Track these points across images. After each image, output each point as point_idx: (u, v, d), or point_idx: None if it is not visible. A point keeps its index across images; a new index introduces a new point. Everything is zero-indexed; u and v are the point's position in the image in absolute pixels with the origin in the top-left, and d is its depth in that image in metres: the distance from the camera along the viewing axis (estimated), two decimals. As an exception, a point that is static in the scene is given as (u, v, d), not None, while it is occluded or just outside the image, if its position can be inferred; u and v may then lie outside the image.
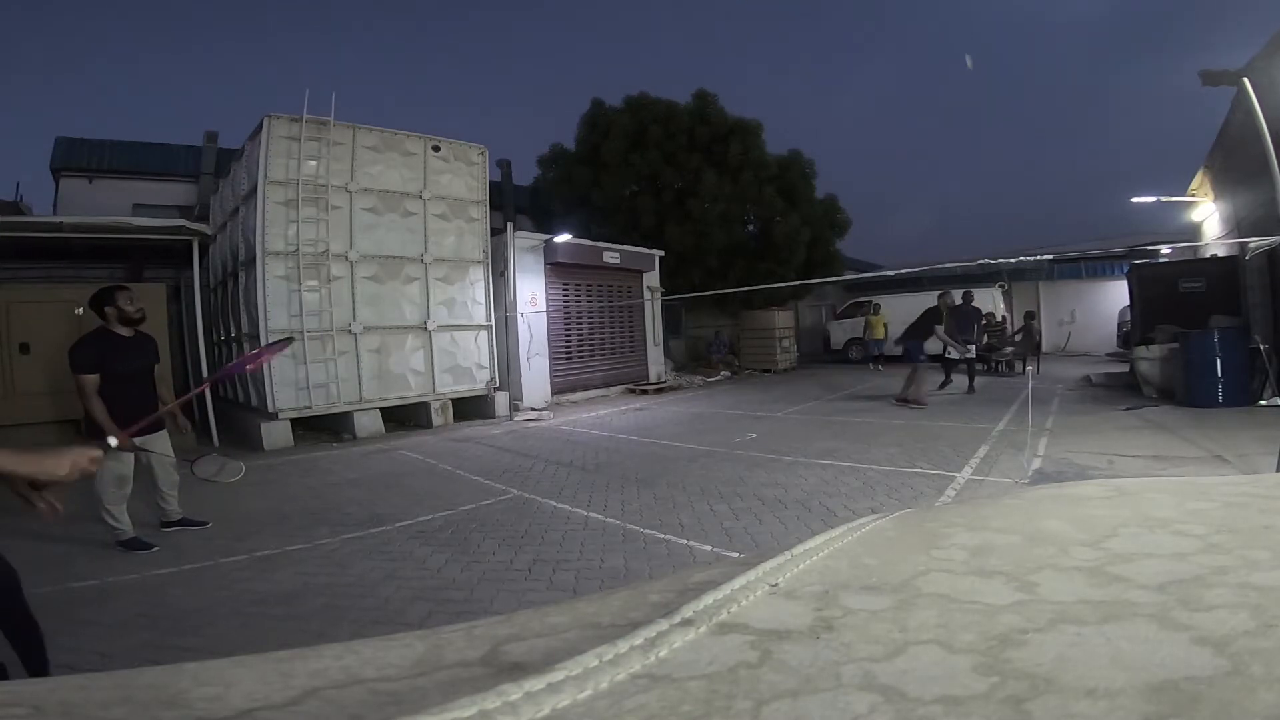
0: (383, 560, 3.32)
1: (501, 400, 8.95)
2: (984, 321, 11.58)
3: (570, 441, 6.83)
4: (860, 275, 19.55)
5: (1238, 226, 9.13)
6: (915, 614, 0.44)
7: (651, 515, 3.95)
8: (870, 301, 15.97)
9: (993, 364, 12.12)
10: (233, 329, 8.33)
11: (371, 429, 7.60)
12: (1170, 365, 7.51)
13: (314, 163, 7.43)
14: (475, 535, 3.69)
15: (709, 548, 3.37)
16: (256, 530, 3.85)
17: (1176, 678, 0.33)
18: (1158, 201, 11.46)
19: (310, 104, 7.42)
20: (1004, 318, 14.16)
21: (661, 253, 12.95)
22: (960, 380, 9.60)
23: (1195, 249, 12.32)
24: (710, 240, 14.30)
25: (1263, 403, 6.54)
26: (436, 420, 8.17)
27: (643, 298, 12.40)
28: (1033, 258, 12.30)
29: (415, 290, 8.23)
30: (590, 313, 11.35)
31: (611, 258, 11.45)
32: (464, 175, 8.87)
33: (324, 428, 7.63)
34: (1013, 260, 14.14)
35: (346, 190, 7.67)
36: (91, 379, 3.30)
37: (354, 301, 7.66)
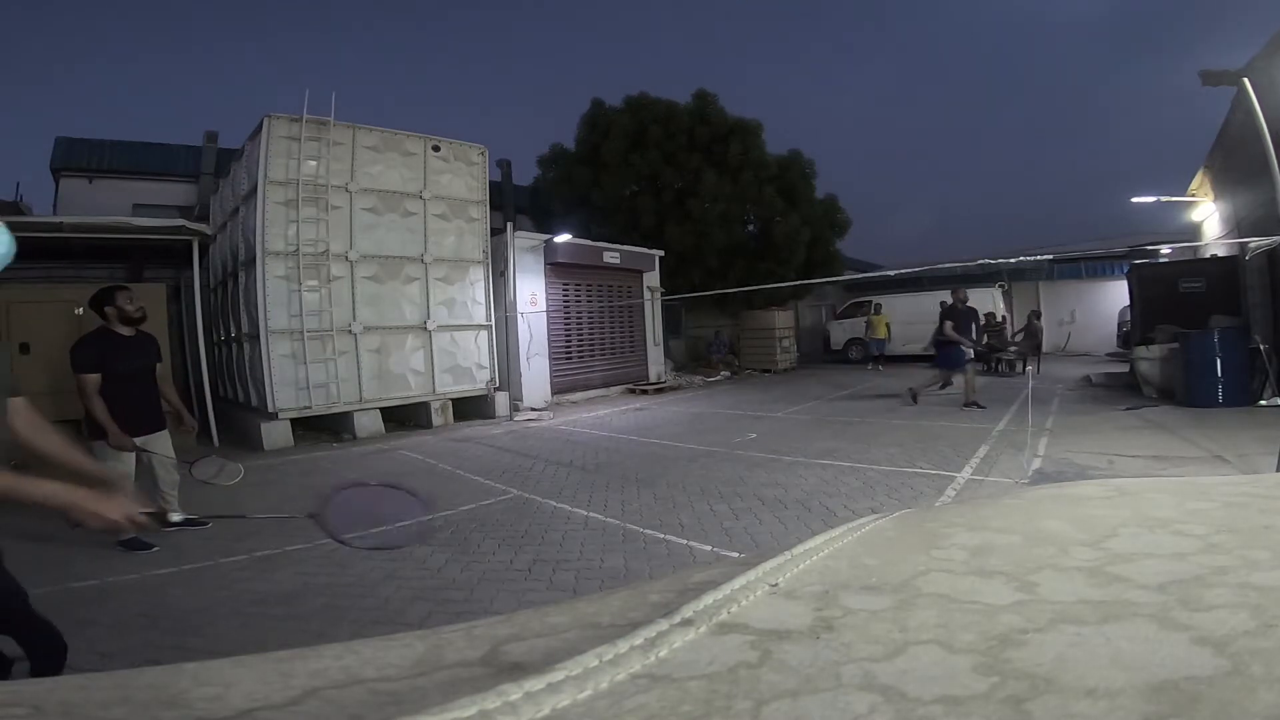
0: (383, 560, 3.32)
1: (501, 400, 8.95)
2: (983, 322, 11.57)
3: (570, 441, 6.83)
4: (860, 275, 19.55)
5: (1238, 226, 9.13)
6: (915, 614, 0.44)
7: (651, 515, 3.95)
8: (871, 301, 15.97)
9: (993, 364, 12.11)
10: (233, 329, 8.33)
11: (371, 429, 7.60)
12: (1170, 365, 7.51)
13: (314, 163, 7.43)
14: (475, 535, 3.69)
15: (709, 548, 3.37)
16: (256, 530, 3.84)
17: (1176, 678, 0.33)
18: (1158, 201, 11.46)
19: (310, 104, 7.44)
20: (1004, 318, 14.16)
21: (661, 253, 12.95)
22: (959, 381, 9.58)
23: (1195, 249, 12.32)
24: (710, 240, 14.30)
25: (1263, 403, 6.54)
26: (436, 420, 8.17)
27: (643, 298, 12.40)
28: (1033, 258, 12.32)
29: (415, 290, 8.23)
30: (590, 313, 11.35)
31: (611, 258, 11.45)
32: (464, 175, 8.87)
33: (324, 428, 7.63)
34: (1013, 260, 14.14)
35: (346, 190, 7.67)
36: (93, 379, 3.31)
37: (354, 301, 7.66)
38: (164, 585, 3.07)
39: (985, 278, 15.12)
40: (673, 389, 11.93)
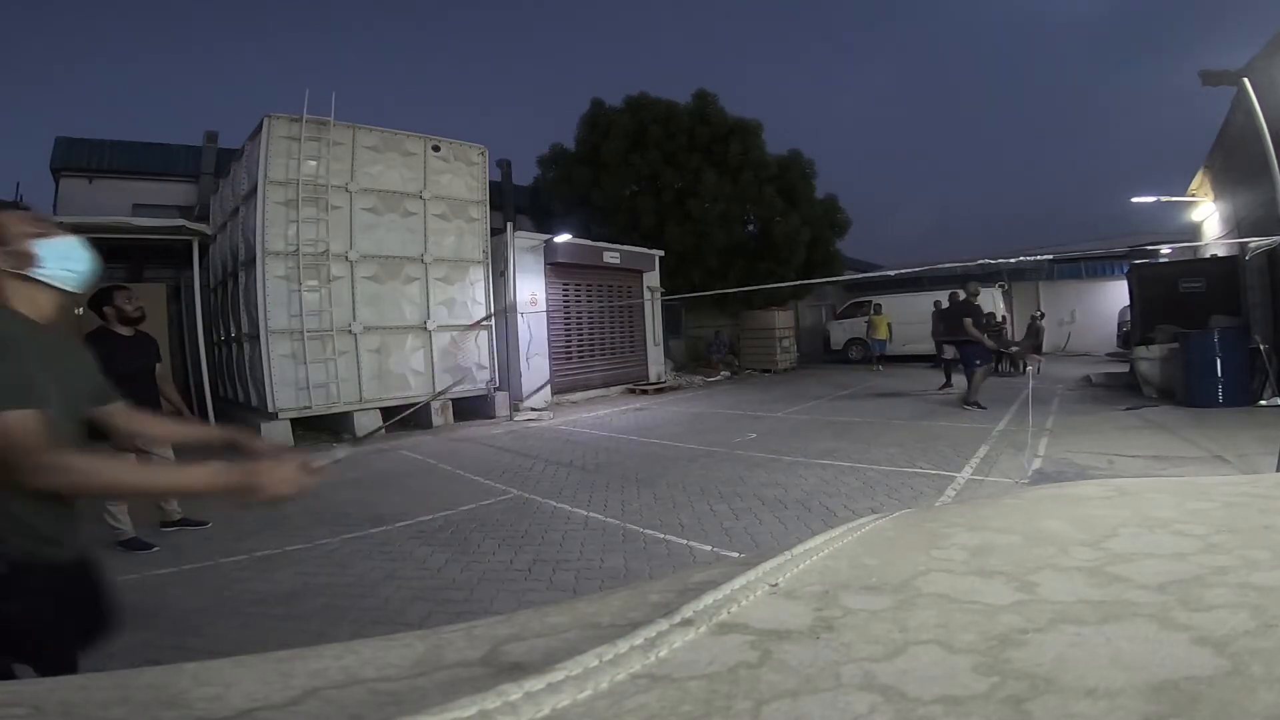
0: (383, 560, 3.32)
1: (501, 400, 8.95)
2: (983, 321, 11.53)
3: (570, 441, 6.83)
4: (860, 275, 19.55)
5: (1238, 226, 9.13)
6: (915, 614, 0.44)
7: (651, 515, 3.95)
8: (870, 302, 15.97)
9: (1003, 364, 12.08)
10: (233, 329, 8.33)
11: (371, 429, 7.60)
12: (1170, 365, 7.51)
13: (314, 163, 7.43)
14: (475, 535, 3.69)
15: (709, 548, 3.37)
16: (256, 530, 3.84)
17: (1176, 678, 0.33)
18: (1158, 201, 11.46)
19: (310, 104, 7.43)
20: (1004, 318, 14.15)
21: (661, 253, 12.94)
22: (959, 381, 9.59)
23: (1195, 249, 12.32)
24: (710, 240, 14.30)
25: (1263, 403, 6.54)
26: (437, 420, 8.17)
27: (643, 298, 12.40)
28: (1033, 258, 12.32)
29: (415, 290, 8.23)
30: (590, 313, 11.34)
31: (611, 258, 11.45)
32: (464, 175, 8.87)
33: (324, 428, 7.63)
34: (1013, 260, 14.14)
35: (346, 190, 7.67)
36: None
37: (354, 301, 7.66)
38: (164, 585, 3.07)
39: (985, 278, 15.10)
40: (673, 389, 11.93)
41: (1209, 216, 11.50)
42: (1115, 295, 15.65)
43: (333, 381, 7.38)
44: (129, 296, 3.58)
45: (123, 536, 3.54)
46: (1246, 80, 6.11)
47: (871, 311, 15.39)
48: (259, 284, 7.07)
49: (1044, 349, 14.19)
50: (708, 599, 0.46)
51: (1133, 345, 9.47)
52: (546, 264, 10.31)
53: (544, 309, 10.16)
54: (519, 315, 9.44)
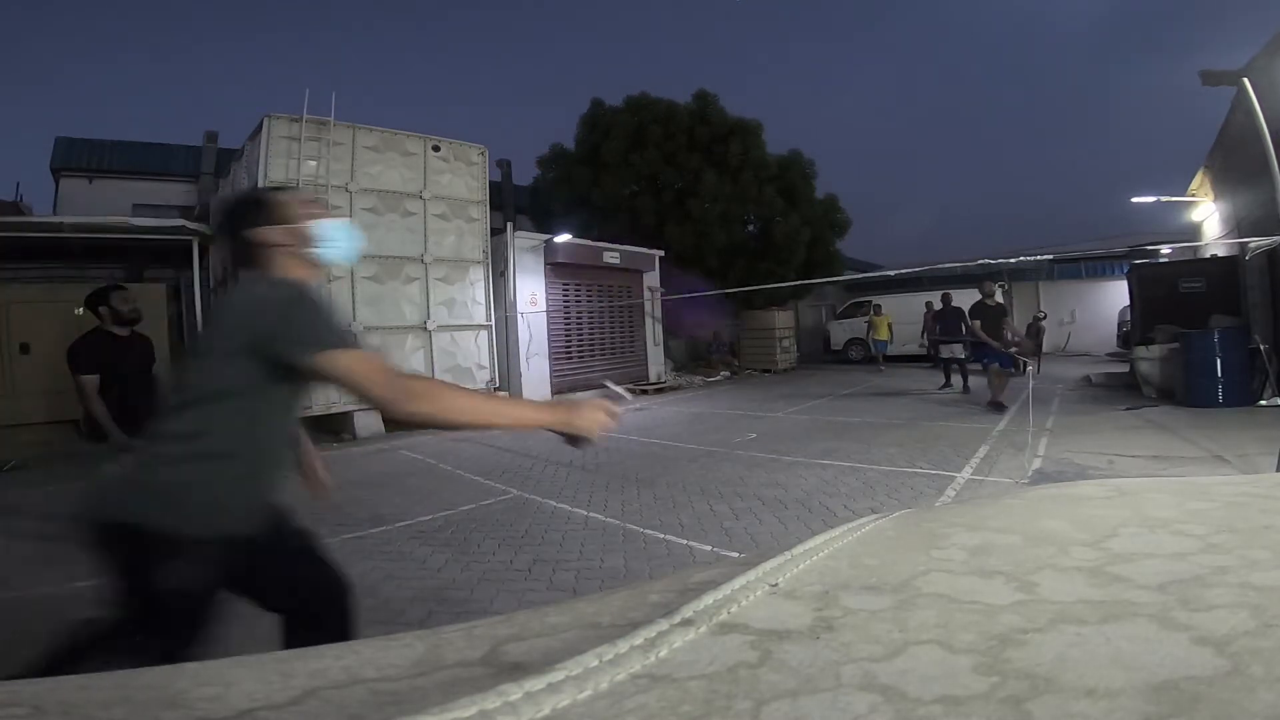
0: (383, 560, 3.32)
1: (501, 400, 8.94)
2: (1007, 320, 11.46)
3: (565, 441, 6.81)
4: (860, 275, 19.55)
5: (1238, 226, 9.13)
6: (915, 614, 0.44)
7: (651, 515, 3.94)
8: (871, 302, 15.97)
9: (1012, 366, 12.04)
10: (233, 329, 8.32)
11: (372, 429, 7.60)
12: (1170, 365, 7.50)
13: (314, 163, 7.43)
14: (475, 535, 3.69)
15: (709, 548, 3.36)
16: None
17: (1176, 678, 0.33)
18: (1158, 201, 11.46)
19: (310, 104, 7.44)
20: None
21: (661, 253, 12.94)
22: (969, 381, 9.59)
23: (1195, 249, 12.32)
24: (710, 240, 14.30)
25: (1263, 403, 6.54)
26: (437, 420, 8.16)
27: (643, 298, 12.40)
28: (1033, 258, 12.30)
29: (415, 290, 8.23)
30: (590, 313, 11.34)
31: (611, 258, 11.45)
32: (464, 175, 8.87)
33: (324, 428, 7.62)
34: (1013, 260, 14.13)
35: (346, 190, 7.67)
36: (91, 380, 3.30)
37: (354, 301, 7.66)
38: (164, 585, 3.06)
39: (985, 278, 15.09)
40: (673, 389, 11.92)
41: (1209, 216, 11.50)
42: (1115, 295, 15.64)
43: (333, 381, 7.37)
44: (125, 297, 3.57)
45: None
46: (1246, 80, 6.10)
47: (872, 312, 15.40)
48: (259, 284, 7.06)
49: (1044, 349, 14.19)
50: (708, 599, 0.46)
51: (1133, 345, 9.46)
52: (546, 264, 10.31)
53: (544, 309, 10.16)
54: (519, 315, 9.44)
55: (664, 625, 0.42)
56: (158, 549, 1.17)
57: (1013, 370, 7.79)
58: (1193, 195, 11.70)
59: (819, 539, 0.63)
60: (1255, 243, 7.26)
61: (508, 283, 9.32)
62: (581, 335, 11.17)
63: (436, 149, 8.53)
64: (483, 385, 8.80)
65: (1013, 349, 11.98)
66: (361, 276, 7.73)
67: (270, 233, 1.33)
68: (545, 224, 14.01)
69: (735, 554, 3.11)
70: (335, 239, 1.40)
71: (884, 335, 14.71)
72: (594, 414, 1.26)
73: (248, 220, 1.35)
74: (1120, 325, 15.16)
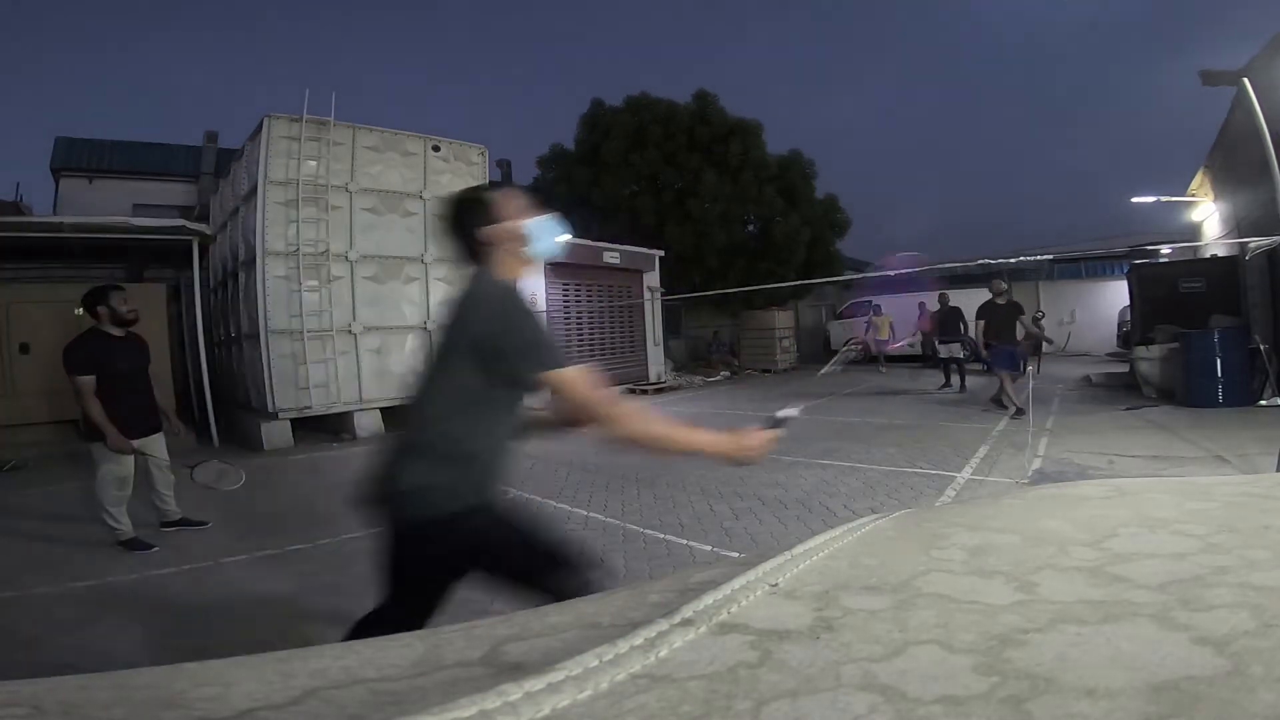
0: (383, 560, 3.31)
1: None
2: (1021, 319, 11.37)
3: (570, 441, 6.81)
4: (860, 275, 19.55)
5: (1238, 226, 9.13)
6: (915, 614, 0.44)
7: (651, 515, 3.94)
8: (871, 302, 15.97)
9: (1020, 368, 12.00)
10: (233, 329, 8.32)
11: (372, 429, 7.59)
12: (1170, 365, 7.50)
13: (314, 163, 7.43)
14: (475, 535, 3.69)
15: (709, 548, 3.36)
16: (256, 530, 3.85)
17: (1176, 678, 0.33)
18: (1158, 201, 11.47)
19: (310, 104, 7.43)
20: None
21: (661, 253, 12.94)
22: (968, 383, 9.60)
23: (1195, 249, 12.32)
24: (710, 240, 14.30)
25: (1263, 403, 6.54)
26: (436, 420, 8.16)
27: (643, 298, 12.40)
28: (1033, 258, 12.29)
29: (415, 290, 8.22)
30: (590, 313, 11.34)
31: (611, 258, 11.45)
32: (464, 175, 8.85)
33: (324, 428, 7.62)
34: (1013, 260, 14.14)
35: (346, 190, 7.66)
36: (88, 380, 3.29)
37: (354, 301, 7.66)
38: (164, 585, 3.07)
39: (985, 278, 15.11)
40: (673, 389, 11.92)
41: (1209, 216, 11.50)
42: (1115, 295, 15.64)
43: (333, 381, 7.37)
44: (123, 297, 3.57)
45: (123, 537, 3.54)
46: (1246, 80, 6.11)
47: (872, 312, 15.40)
48: (259, 284, 7.06)
49: (1044, 349, 14.17)
50: (708, 599, 0.46)
51: (1133, 345, 9.46)
52: (546, 264, 10.30)
53: (544, 309, 10.16)
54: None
55: (664, 625, 0.42)
56: (426, 536, 1.38)
57: (1016, 372, 7.75)
58: (1193, 195, 11.70)
59: (819, 539, 0.63)
60: (1255, 243, 7.27)
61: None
62: (581, 335, 11.17)
63: (436, 149, 8.52)
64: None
65: (1043, 343, 11.35)
66: (361, 276, 7.73)
67: (495, 231, 1.39)
68: (545, 224, 14.00)
69: (735, 554, 3.11)
70: (547, 235, 1.46)
71: (885, 335, 14.72)
72: (760, 442, 1.44)
73: (476, 219, 1.40)
74: (1120, 325, 15.17)
